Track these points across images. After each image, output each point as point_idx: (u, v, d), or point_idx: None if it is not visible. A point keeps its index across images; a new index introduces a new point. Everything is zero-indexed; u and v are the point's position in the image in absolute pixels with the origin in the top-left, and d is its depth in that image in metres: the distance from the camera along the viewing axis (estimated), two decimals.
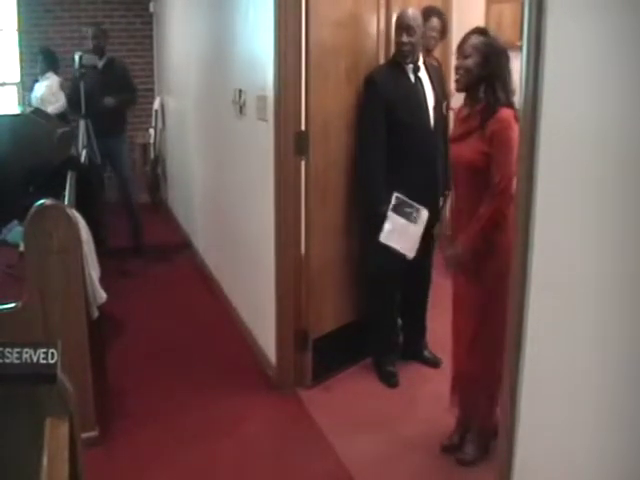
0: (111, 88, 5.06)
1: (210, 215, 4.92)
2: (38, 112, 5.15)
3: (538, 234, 1.76)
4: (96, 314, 3.11)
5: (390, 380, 3.39)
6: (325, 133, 3.22)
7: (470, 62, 2.53)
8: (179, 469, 2.74)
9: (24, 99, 6.47)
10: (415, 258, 3.22)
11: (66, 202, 3.28)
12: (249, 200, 3.78)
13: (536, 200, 1.75)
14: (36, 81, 5.95)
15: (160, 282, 4.91)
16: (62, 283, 2.64)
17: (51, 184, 3.72)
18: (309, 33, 3.03)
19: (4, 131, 4.33)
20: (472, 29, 2.60)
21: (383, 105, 3.20)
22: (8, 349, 1.39)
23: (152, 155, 6.91)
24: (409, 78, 3.26)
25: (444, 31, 3.81)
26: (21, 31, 6.62)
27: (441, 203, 3.36)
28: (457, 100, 3.04)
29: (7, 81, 6.81)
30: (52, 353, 1.40)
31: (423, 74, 3.30)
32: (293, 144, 3.13)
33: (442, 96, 3.43)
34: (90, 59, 5.03)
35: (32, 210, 2.58)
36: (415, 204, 3.17)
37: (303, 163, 3.18)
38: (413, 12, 3.20)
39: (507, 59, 2.53)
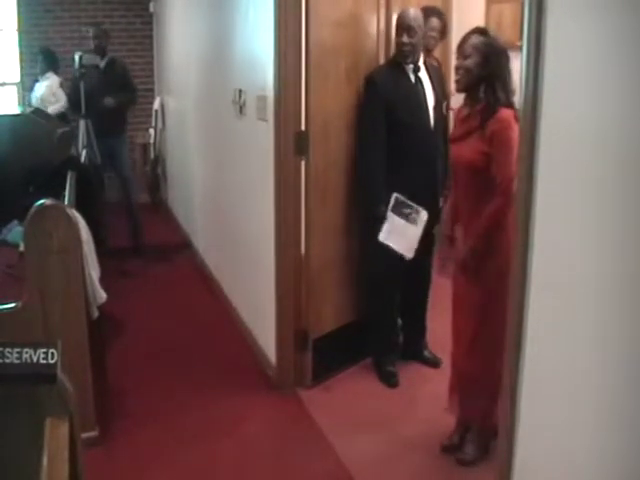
0: (112, 88, 5.07)
1: (210, 215, 4.92)
2: (38, 112, 5.15)
3: (538, 234, 1.76)
4: (96, 314, 3.10)
5: (390, 380, 3.39)
6: (325, 133, 3.22)
7: (470, 62, 2.53)
8: (179, 469, 2.74)
9: (24, 99, 6.47)
10: (415, 258, 3.21)
11: (66, 202, 3.27)
12: (249, 200, 3.78)
13: (536, 200, 1.75)
14: (36, 81, 5.94)
15: (160, 282, 4.91)
16: (62, 283, 2.64)
17: (51, 184, 3.72)
18: (309, 33, 3.03)
19: (4, 131, 4.33)
20: (472, 29, 2.60)
21: (383, 105, 3.19)
22: (8, 349, 1.39)
23: (152, 155, 6.91)
24: (409, 78, 3.26)
25: (444, 31, 3.80)
26: (21, 31, 6.62)
27: (441, 203, 3.36)
28: (457, 100, 3.03)
29: (7, 81, 6.81)
30: (52, 353, 1.40)
31: (423, 74, 3.30)
32: (293, 144, 3.13)
33: (442, 96, 3.43)
34: (91, 59, 5.04)
35: (32, 210, 2.58)
36: (414, 205, 3.16)
37: (303, 163, 3.18)
38: (414, 12, 3.20)
39: (507, 59, 2.53)
